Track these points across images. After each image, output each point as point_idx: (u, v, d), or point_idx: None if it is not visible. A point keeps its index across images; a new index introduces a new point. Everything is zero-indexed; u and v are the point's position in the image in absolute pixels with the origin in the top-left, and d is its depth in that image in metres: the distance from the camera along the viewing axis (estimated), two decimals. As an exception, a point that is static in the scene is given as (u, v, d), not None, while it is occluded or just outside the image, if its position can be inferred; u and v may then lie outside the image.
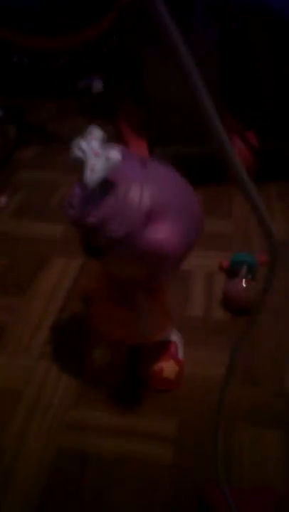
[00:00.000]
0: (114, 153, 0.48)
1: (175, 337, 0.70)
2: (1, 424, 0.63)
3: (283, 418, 0.63)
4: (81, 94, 1.74)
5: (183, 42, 0.20)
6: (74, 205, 0.51)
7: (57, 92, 1.76)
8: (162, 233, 0.50)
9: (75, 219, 0.51)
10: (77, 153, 0.49)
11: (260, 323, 0.76)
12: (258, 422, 0.63)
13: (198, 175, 1.18)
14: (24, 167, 1.32)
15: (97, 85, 1.73)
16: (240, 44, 1.25)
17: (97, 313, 0.65)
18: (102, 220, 0.49)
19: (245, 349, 0.72)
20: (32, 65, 1.74)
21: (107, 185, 0.49)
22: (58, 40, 1.69)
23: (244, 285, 0.79)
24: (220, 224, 1.04)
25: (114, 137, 1.40)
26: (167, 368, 0.66)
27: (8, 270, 0.92)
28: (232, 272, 0.85)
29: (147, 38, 1.18)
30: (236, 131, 1.22)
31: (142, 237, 0.49)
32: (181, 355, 0.69)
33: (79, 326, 0.77)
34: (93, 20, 1.68)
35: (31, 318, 0.80)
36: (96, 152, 0.49)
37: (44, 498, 0.54)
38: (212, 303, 0.82)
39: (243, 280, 0.80)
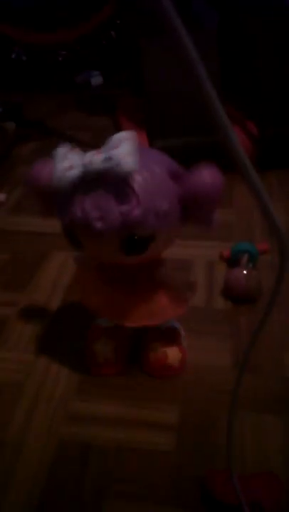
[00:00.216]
0: (125, 133, 0.48)
1: (177, 324, 0.70)
2: (2, 417, 0.63)
3: (284, 404, 0.63)
4: (79, 89, 1.74)
5: (185, 32, 0.20)
6: (102, 216, 0.49)
7: (55, 88, 1.75)
8: (204, 177, 0.51)
9: (111, 227, 0.49)
10: (76, 170, 0.48)
11: (262, 311, 0.75)
12: (260, 408, 0.62)
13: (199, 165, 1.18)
14: (23, 163, 1.32)
15: (96, 79, 1.72)
16: (240, 34, 1.24)
17: (110, 308, 0.63)
18: (145, 204, 0.49)
19: (246, 338, 0.72)
20: (30, 61, 1.73)
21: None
22: (57, 34, 1.68)
23: (245, 274, 0.79)
24: (221, 213, 1.02)
25: (113, 131, 1.39)
26: (171, 354, 0.66)
27: (9, 265, 0.92)
28: (233, 261, 0.85)
29: (147, 29, 1.17)
30: (236, 121, 1.22)
31: (190, 191, 0.51)
32: (183, 342, 0.69)
33: (79, 320, 0.76)
34: (91, 13, 1.67)
35: (32, 312, 0.80)
36: (98, 151, 0.49)
37: (45, 491, 0.54)
38: (213, 292, 0.82)
39: (245, 269, 0.80)
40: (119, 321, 0.62)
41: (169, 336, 0.67)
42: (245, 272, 0.79)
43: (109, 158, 0.47)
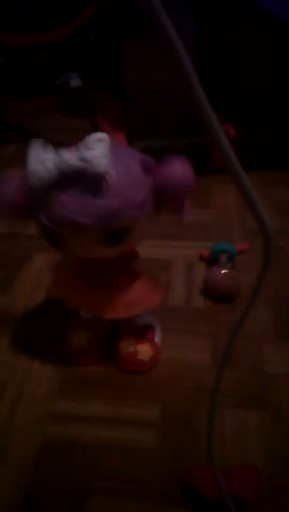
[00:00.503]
0: (100, 135, 0.51)
1: (152, 321, 0.72)
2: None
3: (262, 399, 0.64)
4: (59, 91, 1.74)
5: (174, 30, 0.21)
6: (82, 211, 0.51)
7: (35, 90, 1.75)
8: (175, 169, 0.55)
9: (93, 220, 0.52)
10: (49, 167, 0.50)
11: (239, 309, 0.77)
12: (238, 404, 0.64)
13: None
14: (4, 164, 1.31)
15: (75, 81, 1.73)
16: (216, 34, 1.26)
17: (90, 302, 0.65)
18: (122, 196, 0.52)
19: (225, 336, 0.73)
20: (9, 64, 1.73)
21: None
22: (36, 37, 1.68)
23: (224, 273, 0.80)
24: (199, 214, 1.04)
25: (93, 132, 1.40)
26: (142, 350, 0.68)
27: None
28: (212, 261, 0.86)
29: (127, 31, 1.18)
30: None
31: (162, 182, 0.54)
32: (157, 339, 0.71)
33: (60, 320, 0.77)
34: (69, 15, 1.67)
35: (13, 313, 0.80)
36: (71, 150, 0.51)
37: (29, 489, 0.55)
38: (193, 291, 0.83)
39: (224, 268, 0.81)
40: (98, 314, 0.64)
41: (141, 332, 0.69)
42: (224, 271, 0.80)
43: (84, 159, 0.50)
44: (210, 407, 0.41)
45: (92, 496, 0.54)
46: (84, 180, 0.51)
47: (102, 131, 1.29)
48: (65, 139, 1.41)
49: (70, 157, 0.50)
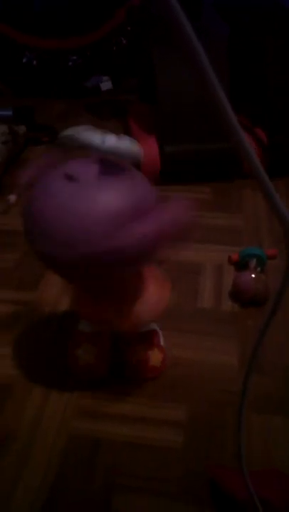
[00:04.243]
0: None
1: (154, 326, 0.71)
2: (14, 412, 0.64)
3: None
4: (90, 94, 1.76)
5: (196, 39, 0.20)
6: None
7: (65, 92, 1.77)
8: (179, 211, 0.52)
9: None
10: None
11: (266, 314, 0.76)
12: (266, 409, 0.63)
13: (209, 172, 1.20)
14: (34, 165, 1.33)
15: (106, 84, 1.74)
16: (249, 41, 1.26)
17: (112, 317, 0.64)
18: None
19: (253, 339, 0.73)
20: (41, 66, 1.75)
21: None
22: (69, 40, 1.71)
23: (254, 278, 0.80)
24: (229, 219, 1.04)
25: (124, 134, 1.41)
26: (153, 356, 0.67)
27: (20, 265, 0.93)
28: (241, 265, 0.86)
29: (159, 37, 1.18)
30: (245, 128, 1.23)
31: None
32: (162, 342, 0.70)
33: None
34: (102, 20, 1.69)
35: (43, 310, 0.81)
36: None
37: (55, 485, 0.55)
38: (222, 295, 0.83)
39: (253, 273, 0.81)
40: (123, 327, 0.63)
41: (148, 338, 0.68)
42: (253, 275, 0.80)
43: None
44: (238, 411, 0.41)
45: (118, 493, 0.54)
46: None
47: (133, 134, 1.30)
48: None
49: None
